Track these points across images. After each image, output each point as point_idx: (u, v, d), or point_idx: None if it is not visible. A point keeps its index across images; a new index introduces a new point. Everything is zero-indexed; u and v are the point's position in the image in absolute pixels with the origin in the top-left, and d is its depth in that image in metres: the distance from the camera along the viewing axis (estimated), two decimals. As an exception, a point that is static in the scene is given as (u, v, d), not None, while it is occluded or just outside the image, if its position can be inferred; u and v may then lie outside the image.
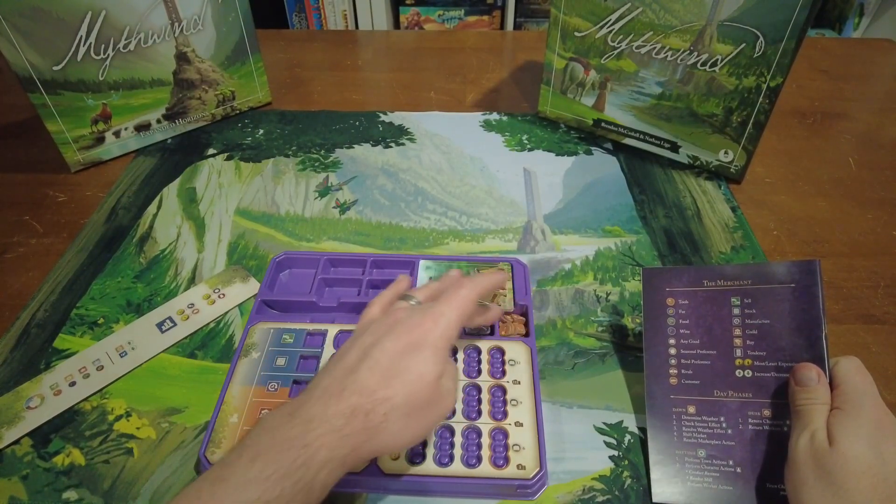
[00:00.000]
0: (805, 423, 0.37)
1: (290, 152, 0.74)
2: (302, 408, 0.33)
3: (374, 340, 0.36)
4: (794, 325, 0.41)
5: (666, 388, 0.44)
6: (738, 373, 0.42)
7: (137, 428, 0.45)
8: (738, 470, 0.40)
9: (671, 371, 0.44)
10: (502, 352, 0.47)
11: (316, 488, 0.31)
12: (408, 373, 0.34)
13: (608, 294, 0.55)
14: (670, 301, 0.46)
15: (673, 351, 0.44)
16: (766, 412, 0.41)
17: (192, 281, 0.57)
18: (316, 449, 0.31)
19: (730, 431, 0.41)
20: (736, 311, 0.43)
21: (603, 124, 0.74)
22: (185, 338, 0.51)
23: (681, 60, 0.64)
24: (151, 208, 0.65)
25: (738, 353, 0.42)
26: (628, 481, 0.42)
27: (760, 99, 0.60)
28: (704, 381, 0.43)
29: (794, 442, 0.37)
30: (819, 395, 0.37)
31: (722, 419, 0.41)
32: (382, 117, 0.81)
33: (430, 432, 0.37)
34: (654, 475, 0.41)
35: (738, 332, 0.43)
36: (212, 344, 0.51)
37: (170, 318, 0.53)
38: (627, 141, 0.73)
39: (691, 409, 0.42)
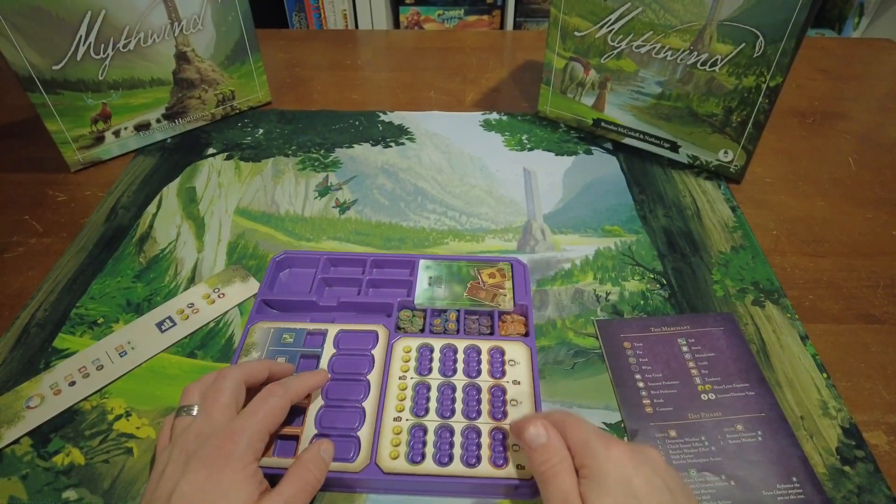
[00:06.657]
0: (552, 491, 0.33)
1: (290, 152, 0.74)
2: None
3: (172, 486, 0.33)
4: (732, 357, 0.48)
5: (644, 417, 0.45)
6: (704, 396, 0.46)
7: (137, 427, 0.45)
8: (732, 483, 0.41)
9: (644, 402, 0.46)
10: (502, 352, 0.47)
11: None
12: None
13: (608, 294, 0.55)
14: (627, 344, 0.50)
15: (641, 384, 0.47)
16: (739, 427, 0.44)
17: (191, 280, 0.57)
18: None
19: (713, 448, 0.42)
20: (685, 348, 0.49)
21: (603, 124, 0.74)
22: (185, 337, 0.51)
23: (681, 60, 0.64)
24: (151, 208, 0.65)
25: (698, 380, 0.47)
26: (628, 481, 0.42)
27: (760, 99, 0.60)
28: (677, 407, 0.45)
29: None
30: (554, 454, 0.34)
31: (703, 437, 0.43)
32: (382, 117, 0.81)
33: None
34: None
35: (692, 363, 0.48)
36: (212, 343, 0.51)
37: (169, 318, 0.53)
38: (627, 141, 0.73)
39: (673, 433, 0.44)
